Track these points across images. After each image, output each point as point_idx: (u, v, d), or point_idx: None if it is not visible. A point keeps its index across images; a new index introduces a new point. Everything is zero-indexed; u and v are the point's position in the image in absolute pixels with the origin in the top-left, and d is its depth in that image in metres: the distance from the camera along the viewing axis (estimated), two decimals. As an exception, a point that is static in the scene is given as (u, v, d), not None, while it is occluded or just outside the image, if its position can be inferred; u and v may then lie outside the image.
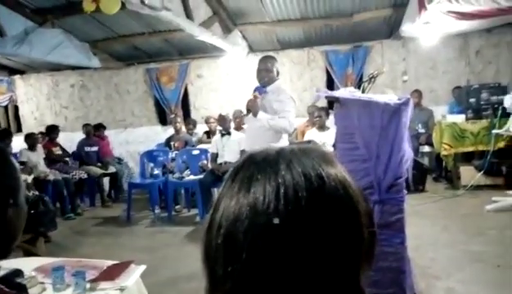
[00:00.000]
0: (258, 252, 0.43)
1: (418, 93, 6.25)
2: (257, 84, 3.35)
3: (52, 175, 5.58)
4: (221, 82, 7.45)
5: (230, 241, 0.45)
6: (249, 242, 0.43)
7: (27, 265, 2.11)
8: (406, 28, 5.53)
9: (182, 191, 5.72)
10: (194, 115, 7.53)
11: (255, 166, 0.48)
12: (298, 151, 0.50)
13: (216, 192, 4.92)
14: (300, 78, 7.14)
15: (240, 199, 0.46)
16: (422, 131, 6.12)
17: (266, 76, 3.20)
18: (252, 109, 3.17)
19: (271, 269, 0.43)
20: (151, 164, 5.64)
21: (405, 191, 2.45)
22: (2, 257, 0.75)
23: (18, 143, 6.14)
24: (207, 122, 6.47)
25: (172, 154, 5.84)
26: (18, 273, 1.47)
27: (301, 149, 0.50)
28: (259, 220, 0.44)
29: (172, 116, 7.19)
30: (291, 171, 0.46)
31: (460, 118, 5.43)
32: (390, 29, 6.50)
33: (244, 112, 3.24)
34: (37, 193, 4.50)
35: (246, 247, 0.43)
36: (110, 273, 2.04)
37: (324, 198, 0.45)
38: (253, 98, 3.19)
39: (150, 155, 5.88)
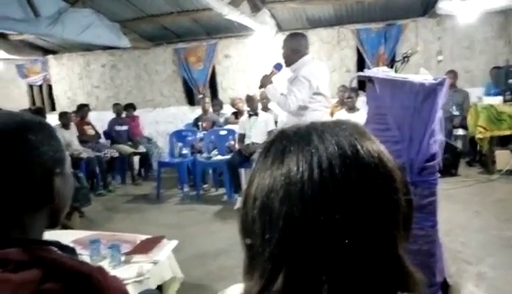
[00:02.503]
0: (295, 220, 0.44)
1: (453, 74, 6.01)
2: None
3: (85, 153, 5.76)
4: (248, 62, 7.40)
5: (266, 211, 0.46)
6: (285, 210, 0.44)
7: (65, 237, 2.21)
8: (443, 6, 5.29)
9: (210, 171, 5.79)
10: (221, 95, 7.54)
11: (287, 139, 0.49)
12: (330, 123, 0.50)
13: (243, 172, 4.97)
14: (330, 58, 6.98)
15: (273, 171, 0.47)
16: (456, 113, 5.92)
17: (284, 57, 3.20)
18: (263, 81, 3.23)
19: (307, 236, 0.43)
20: (180, 144, 5.72)
21: (438, 174, 2.39)
22: (53, 227, 0.79)
23: (52, 122, 6.34)
24: (233, 104, 6.46)
25: (200, 134, 5.90)
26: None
27: (333, 121, 0.51)
28: (294, 189, 0.44)
29: (200, 96, 7.22)
30: (324, 142, 0.46)
31: (497, 100, 5.20)
32: (425, 7, 6.24)
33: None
34: (71, 170, 4.67)
35: (283, 216, 0.44)
36: (144, 247, 2.11)
37: (358, 165, 0.45)
38: (269, 73, 3.23)
39: (178, 135, 5.97)
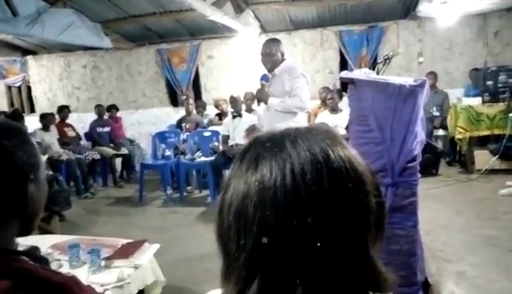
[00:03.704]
0: (268, 225, 0.45)
1: (433, 75, 6.12)
2: (264, 71, 3.35)
3: (66, 155, 5.65)
4: (232, 63, 7.39)
5: (241, 217, 0.47)
6: (259, 216, 0.45)
7: (43, 242, 2.16)
8: (423, 8, 5.39)
9: (194, 172, 5.76)
10: (204, 97, 7.50)
11: (261, 146, 0.50)
12: (302, 130, 0.51)
13: (227, 174, 4.94)
14: (313, 59, 7.03)
15: (248, 178, 0.48)
16: (436, 114, 6.03)
17: (269, 61, 3.18)
18: (261, 98, 3.22)
19: (280, 241, 0.44)
20: (163, 145, 5.67)
21: (419, 174, 2.42)
22: (26, 234, 0.77)
23: (32, 124, 6.21)
24: (216, 105, 6.43)
25: (183, 136, 5.85)
26: (35, 249, 1.50)
27: (306, 128, 0.52)
28: (267, 194, 0.45)
29: (184, 97, 7.18)
30: (296, 148, 0.47)
31: (476, 101, 5.33)
32: (406, 9, 6.34)
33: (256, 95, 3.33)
34: (51, 172, 4.58)
35: (256, 221, 0.45)
36: (125, 252, 2.07)
37: (329, 170, 0.46)
38: (260, 87, 3.22)
39: (161, 136, 5.91)
